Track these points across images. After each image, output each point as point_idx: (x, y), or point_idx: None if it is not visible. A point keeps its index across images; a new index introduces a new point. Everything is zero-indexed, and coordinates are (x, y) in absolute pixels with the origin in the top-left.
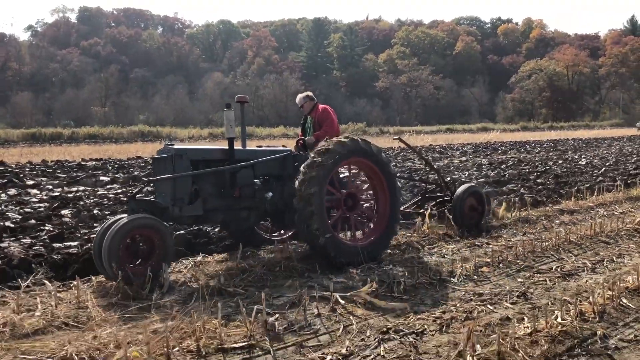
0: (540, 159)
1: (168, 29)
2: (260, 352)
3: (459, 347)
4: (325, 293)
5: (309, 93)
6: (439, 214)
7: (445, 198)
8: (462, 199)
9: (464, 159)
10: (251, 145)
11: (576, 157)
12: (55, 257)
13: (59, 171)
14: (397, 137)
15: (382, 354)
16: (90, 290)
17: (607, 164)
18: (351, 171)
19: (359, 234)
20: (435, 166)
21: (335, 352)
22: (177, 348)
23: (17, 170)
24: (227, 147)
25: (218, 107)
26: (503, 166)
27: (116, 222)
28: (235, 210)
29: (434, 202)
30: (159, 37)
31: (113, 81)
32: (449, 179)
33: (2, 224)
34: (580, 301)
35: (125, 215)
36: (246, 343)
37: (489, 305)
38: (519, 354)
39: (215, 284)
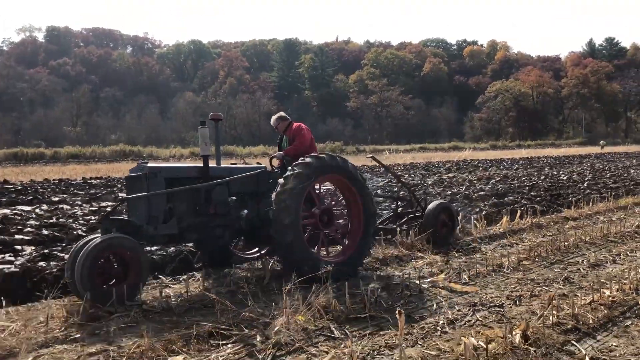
0: (523, 175)
1: (138, 49)
2: (378, 322)
3: (539, 313)
4: (414, 281)
5: (282, 114)
6: (408, 230)
7: (417, 214)
8: (433, 214)
9: (451, 175)
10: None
11: (555, 173)
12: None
13: (72, 188)
14: (369, 155)
15: (479, 319)
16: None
17: (586, 179)
18: (327, 188)
19: (335, 249)
20: (405, 182)
21: (444, 318)
22: None
23: (26, 188)
24: (201, 165)
25: (190, 126)
26: (492, 181)
27: (89, 242)
28: (210, 228)
29: (405, 218)
30: (129, 57)
31: (84, 101)
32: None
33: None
34: (618, 282)
35: (99, 234)
36: (366, 314)
37: (544, 287)
38: (588, 316)
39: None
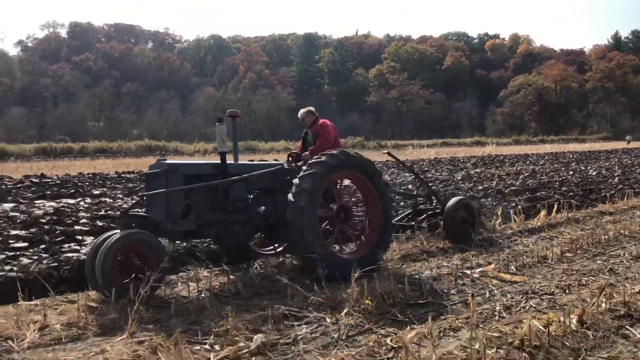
0: (551, 170)
1: (159, 44)
2: (436, 307)
3: (589, 301)
4: (465, 271)
5: (311, 108)
6: (428, 227)
7: (436, 211)
8: (453, 211)
9: (478, 170)
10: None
11: (582, 168)
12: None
13: (108, 182)
14: (385, 151)
15: (533, 305)
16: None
17: (616, 174)
18: (344, 184)
19: (352, 246)
20: (423, 178)
21: (500, 305)
22: None
23: (66, 182)
24: (219, 162)
25: (211, 121)
26: (521, 177)
27: (109, 238)
28: (228, 225)
29: (424, 215)
30: (150, 52)
31: (106, 96)
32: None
33: None
34: None
35: (118, 231)
36: (425, 300)
37: (590, 277)
38: (639, 303)
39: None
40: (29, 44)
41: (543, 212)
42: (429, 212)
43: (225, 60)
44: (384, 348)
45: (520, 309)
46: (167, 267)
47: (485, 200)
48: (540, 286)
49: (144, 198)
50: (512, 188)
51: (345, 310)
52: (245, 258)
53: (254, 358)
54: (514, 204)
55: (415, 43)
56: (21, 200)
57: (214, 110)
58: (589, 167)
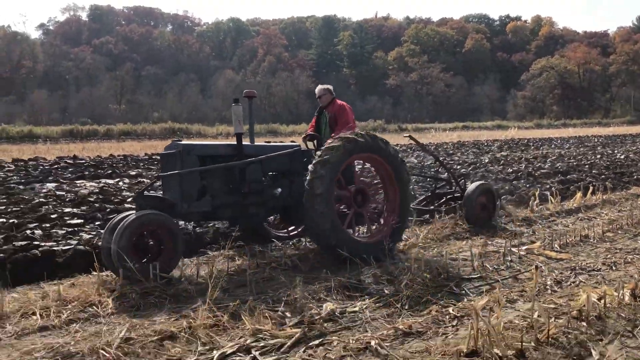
0: (578, 154)
1: (178, 27)
2: (488, 282)
3: (637, 277)
4: (514, 249)
5: (329, 86)
6: (447, 210)
7: (456, 195)
8: (473, 196)
9: (504, 153)
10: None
11: (610, 152)
12: None
13: (141, 164)
14: (407, 135)
15: (582, 280)
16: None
17: None
18: (361, 166)
19: (370, 229)
20: (443, 162)
21: (550, 279)
22: None
23: (101, 162)
24: (235, 143)
25: (230, 104)
26: (549, 160)
27: (125, 218)
28: (244, 207)
29: (443, 199)
30: (169, 35)
31: (128, 79)
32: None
33: None
34: None
35: (134, 211)
36: (478, 275)
37: (635, 255)
38: None
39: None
40: (50, 27)
41: (579, 194)
42: (448, 197)
43: (245, 44)
44: (447, 316)
45: (570, 284)
46: (183, 249)
47: (517, 183)
48: (586, 263)
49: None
50: (543, 171)
51: (404, 283)
52: (260, 240)
53: (325, 324)
54: (548, 186)
55: (435, 25)
56: (62, 180)
57: (233, 93)
58: (615, 151)
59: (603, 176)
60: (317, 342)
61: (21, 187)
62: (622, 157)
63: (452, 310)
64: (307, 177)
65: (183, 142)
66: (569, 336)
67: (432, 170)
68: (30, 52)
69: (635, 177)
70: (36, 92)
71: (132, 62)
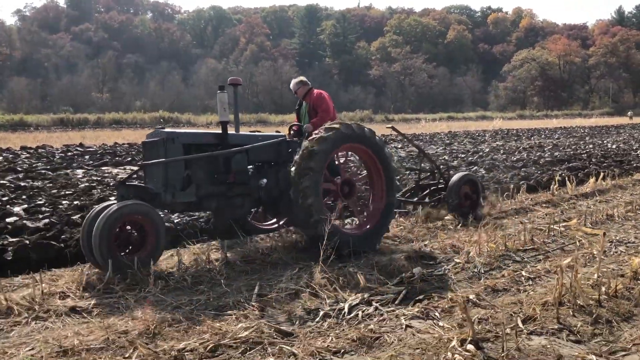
0: (571, 144)
1: (158, 15)
2: (543, 253)
3: None
4: (554, 226)
5: (303, 78)
6: (432, 202)
7: (440, 186)
8: (456, 187)
9: (499, 143)
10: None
11: (600, 142)
12: None
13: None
14: (389, 126)
15: (622, 250)
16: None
17: (634, 147)
18: (347, 157)
19: (356, 220)
20: (427, 153)
21: (595, 250)
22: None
23: (113, 149)
24: (220, 132)
25: (213, 93)
26: (546, 149)
27: (106, 209)
28: (229, 197)
29: (427, 190)
30: (150, 23)
31: (109, 67)
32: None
33: None
34: None
35: (115, 201)
36: (531, 247)
37: None
38: None
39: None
40: (27, 14)
41: (592, 180)
42: (432, 188)
43: (226, 32)
44: (522, 277)
45: (613, 253)
46: (166, 239)
47: (526, 170)
48: (620, 237)
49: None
50: (547, 159)
51: (471, 253)
52: (244, 232)
53: (422, 283)
54: (559, 173)
55: (417, 16)
56: (85, 167)
57: (216, 81)
58: (605, 141)
59: (605, 164)
60: (421, 297)
61: (50, 173)
62: (614, 146)
63: (525, 272)
64: (294, 169)
65: (166, 129)
66: (632, 291)
67: (415, 161)
68: (7, 38)
69: (634, 164)
70: (15, 80)
71: (113, 50)
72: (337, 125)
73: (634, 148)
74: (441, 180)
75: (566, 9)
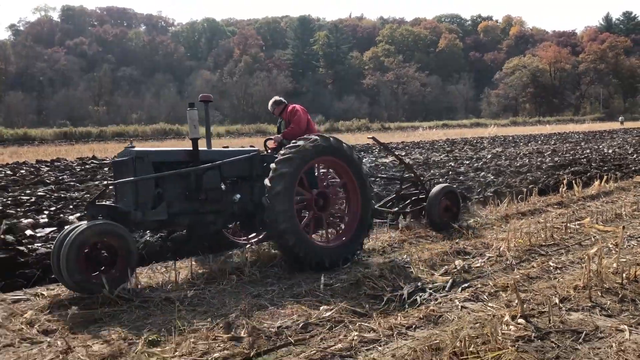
0: (568, 149)
1: (152, 28)
2: (564, 247)
3: None
4: (570, 224)
5: (277, 98)
6: (412, 213)
7: (421, 196)
8: (437, 198)
9: (499, 149)
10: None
11: (595, 147)
12: None
13: None
14: (370, 136)
15: (635, 244)
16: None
17: (629, 152)
18: (322, 170)
19: (331, 234)
20: (408, 164)
21: (611, 244)
22: None
23: None
24: (191, 149)
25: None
26: (546, 155)
27: (74, 229)
28: (202, 214)
29: (408, 201)
30: (144, 35)
31: (105, 80)
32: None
33: None
34: None
35: (84, 222)
36: (551, 243)
37: None
38: None
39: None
40: (21, 28)
41: (597, 182)
42: (414, 198)
43: (220, 44)
44: (550, 267)
45: (626, 247)
46: (136, 259)
47: (531, 174)
48: (631, 233)
49: (110, 187)
50: (549, 164)
51: (501, 248)
52: (219, 248)
53: (464, 274)
54: (565, 177)
55: (409, 25)
56: (110, 178)
57: (211, 93)
58: (600, 146)
59: (605, 168)
60: (465, 285)
61: (78, 184)
62: (610, 151)
63: (551, 262)
64: (269, 176)
65: (136, 148)
66: None
67: (394, 171)
68: (1, 53)
69: (632, 168)
70: (10, 95)
71: (108, 63)
72: (314, 137)
73: (630, 152)
74: (422, 191)
75: (555, 16)
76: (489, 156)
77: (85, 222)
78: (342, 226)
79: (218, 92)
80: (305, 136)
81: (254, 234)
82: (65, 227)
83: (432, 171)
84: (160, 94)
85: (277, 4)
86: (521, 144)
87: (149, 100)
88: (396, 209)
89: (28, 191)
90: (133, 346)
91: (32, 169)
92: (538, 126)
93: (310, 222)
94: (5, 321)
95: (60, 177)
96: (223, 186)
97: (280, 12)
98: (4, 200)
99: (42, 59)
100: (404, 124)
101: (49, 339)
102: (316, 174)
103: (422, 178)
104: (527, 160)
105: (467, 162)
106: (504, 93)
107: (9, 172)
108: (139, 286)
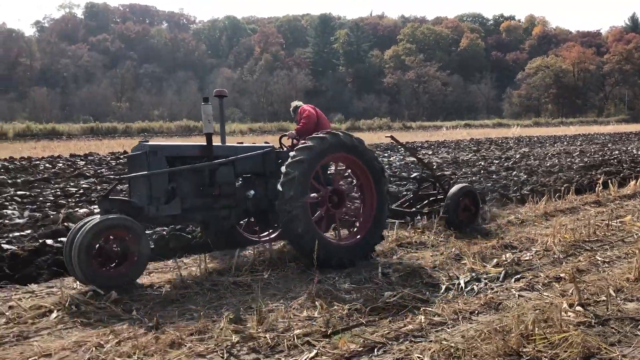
0: (596, 150)
1: (174, 25)
2: (608, 244)
3: None
4: (612, 222)
5: (293, 104)
6: (429, 213)
7: (439, 197)
8: (455, 198)
9: (525, 149)
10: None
11: (623, 148)
12: None
13: None
14: (388, 135)
15: None
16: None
17: None
18: (337, 167)
19: (345, 232)
20: (427, 163)
21: None
22: None
23: None
24: (204, 144)
25: (230, 102)
26: (575, 155)
27: (87, 223)
28: (215, 210)
29: (426, 201)
30: (165, 33)
31: (128, 77)
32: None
33: None
34: None
35: (97, 215)
36: (595, 239)
37: None
38: None
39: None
40: (46, 25)
41: (632, 182)
42: (431, 198)
43: (241, 41)
44: (598, 261)
45: None
46: (148, 254)
47: (563, 174)
48: None
49: (124, 182)
50: (580, 165)
51: (549, 241)
52: (233, 244)
53: (516, 266)
54: (599, 177)
55: (430, 24)
56: None
57: (232, 91)
58: (629, 148)
59: (638, 168)
60: (518, 276)
61: (117, 177)
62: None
63: (599, 257)
64: (281, 179)
65: (150, 142)
66: None
67: (415, 170)
68: (27, 49)
69: None
70: (36, 90)
71: (130, 60)
72: (321, 134)
73: None
74: (441, 191)
75: (579, 16)
76: (518, 156)
77: (98, 216)
78: (358, 224)
79: (238, 89)
80: (325, 130)
81: (269, 231)
82: (79, 222)
83: (463, 170)
84: (181, 91)
85: (298, 2)
86: (547, 144)
87: (170, 97)
88: (413, 209)
89: (72, 183)
90: (216, 323)
91: (68, 163)
92: (561, 127)
93: (323, 220)
94: (91, 299)
95: (98, 170)
96: (237, 182)
97: (301, 10)
98: (53, 191)
99: (66, 55)
100: (426, 123)
101: (133, 316)
102: (329, 171)
103: (440, 178)
104: (557, 160)
105: (497, 161)
106: (526, 93)
107: (48, 165)
108: (207, 271)
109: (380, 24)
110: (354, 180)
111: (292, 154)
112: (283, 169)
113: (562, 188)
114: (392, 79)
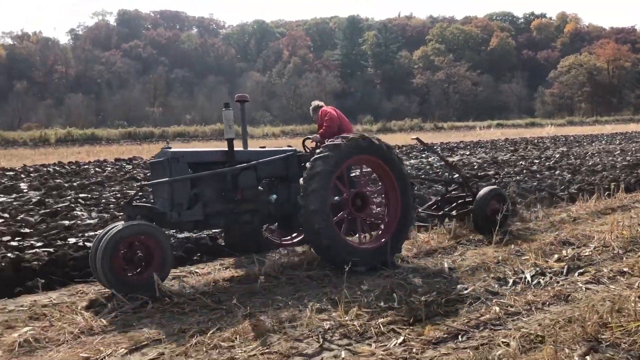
0: (637, 149)
1: (203, 30)
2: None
3: None
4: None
5: (313, 104)
6: (458, 216)
7: (467, 200)
8: (484, 201)
9: (564, 149)
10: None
11: None
12: None
13: None
14: (414, 137)
15: None
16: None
17: None
18: (362, 170)
19: (370, 235)
20: (454, 165)
21: None
22: None
23: None
24: (226, 149)
25: (260, 106)
26: (616, 154)
27: (111, 230)
28: (238, 214)
29: (454, 204)
30: (195, 38)
31: (160, 82)
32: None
33: None
34: None
35: (122, 222)
36: (631, 240)
37: None
38: None
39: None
40: (80, 32)
41: None
42: (459, 201)
43: (269, 45)
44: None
45: None
46: (172, 260)
47: (607, 173)
48: None
49: (146, 188)
50: (623, 163)
51: (607, 237)
52: (256, 248)
53: (575, 261)
54: None
55: (459, 24)
56: None
57: (261, 94)
58: None
59: None
60: (581, 270)
61: None
62: None
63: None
64: (304, 175)
65: (172, 149)
66: None
67: (443, 173)
68: (62, 57)
69: None
70: (72, 96)
71: (162, 66)
72: (351, 135)
73: None
74: (469, 194)
75: (612, 12)
76: (557, 155)
77: (122, 222)
78: (382, 228)
79: (267, 93)
80: (343, 134)
81: (293, 235)
82: (105, 228)
83: (505, 169)
84: (212, 95)
85: (326, 4)
86: (584, 143)
87: (201, 102)
88: (441, 212)
89: (127, 187)
90: (302, 312)
91: (116, 167)
92: (597, 126)
93: (345, 222)
94: (181, 291)
95: (147, 174)
96: (260, 187)
97: (329, 12)
98: (111, 195)
99: (100, 62)
100: (457, 123)
101: (224, 307)
102: (352, 174)
103: (468, 180)
104: (598, 159)
105: (537, 161)
106: (558, 92)
107: (97, 169)
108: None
109: (409, 24)
110: (379, 184)
111: (318, 150)
112: (308, 164)
113: (612, 186)
114: (422, 80)
